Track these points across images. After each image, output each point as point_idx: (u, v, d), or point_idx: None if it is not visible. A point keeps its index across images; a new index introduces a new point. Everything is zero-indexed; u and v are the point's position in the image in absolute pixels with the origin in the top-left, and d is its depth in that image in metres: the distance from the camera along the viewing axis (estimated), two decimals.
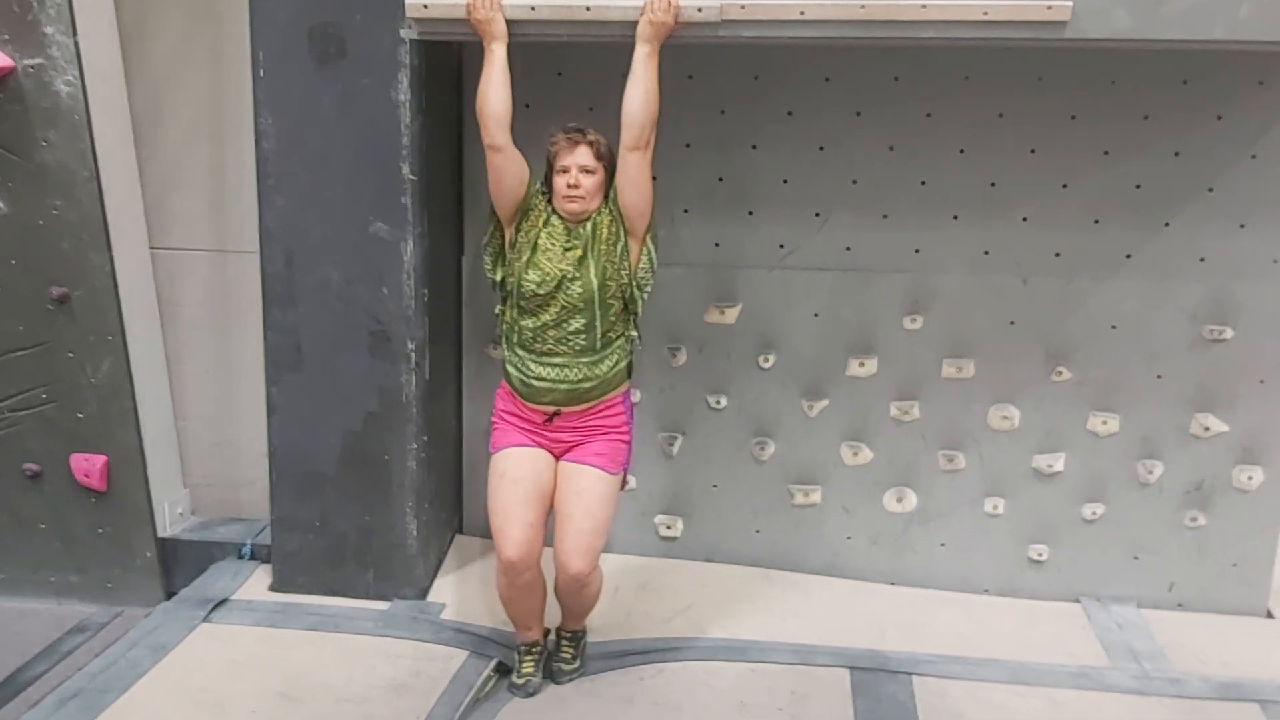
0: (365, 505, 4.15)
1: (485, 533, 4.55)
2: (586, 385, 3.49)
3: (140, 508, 4.35)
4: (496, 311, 3.60)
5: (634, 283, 3.50)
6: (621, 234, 3.46)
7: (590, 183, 3.44)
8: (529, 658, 3.75)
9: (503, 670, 3.83)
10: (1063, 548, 4.30)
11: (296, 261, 3.93)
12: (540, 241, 3.45)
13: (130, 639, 3.89)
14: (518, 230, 3.50)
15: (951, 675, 3.77)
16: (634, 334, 3.59)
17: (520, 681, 3.72)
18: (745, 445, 4.37)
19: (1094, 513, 4.24)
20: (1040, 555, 4.29)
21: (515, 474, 3.57)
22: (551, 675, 3.78)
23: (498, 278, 3.57)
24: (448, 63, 4.07)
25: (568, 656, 3.80)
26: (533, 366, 3.48)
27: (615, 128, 3.44)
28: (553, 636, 3.86)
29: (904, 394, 4.24)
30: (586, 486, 3.55)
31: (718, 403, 4.33)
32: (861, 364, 4.21)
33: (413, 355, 3.98)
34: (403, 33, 3.66)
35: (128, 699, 3.51)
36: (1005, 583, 4.36)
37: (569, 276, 3.40)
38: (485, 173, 3.47)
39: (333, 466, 4.11)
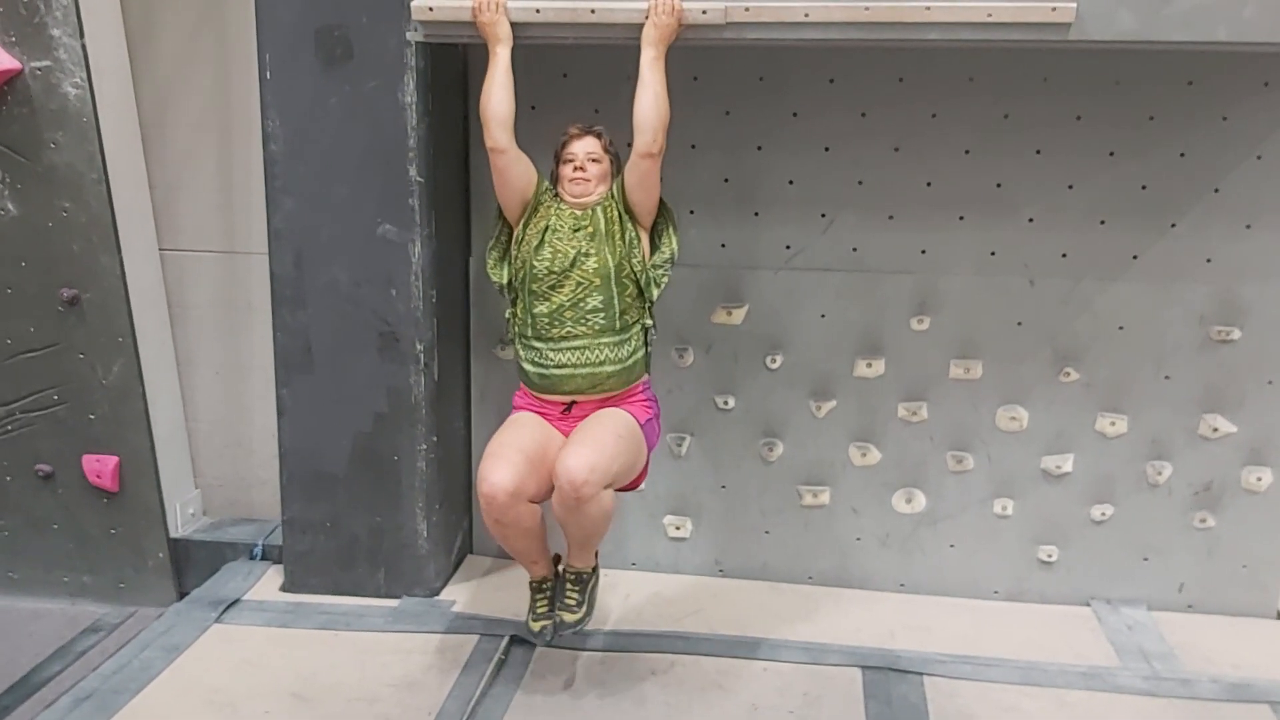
0: (376, 506, 4.17)
1: (496, 552, 4.60)
2: (608, 370, 3.48)
3: (152, 508, 4.39)
4: (507, 315, 3.62)
5: (648, 271, 3.52)
6: (630, 225, 3.49)
7: (595, 169, 3.50)
8: (540, 596, 3.66)
9: (517, 641, 3.87)
10: (1072, 548, 4.29)
11: (305, 263, 3.96)
12: (550, 224, 3.48)
13: (143, 640, 3.93)
14: (525, 226, 3.52)
15: (962, 676, 3.77)
16: (649, 322, 3.61)
17: (535, 627, 3.59)
18: (753, 446, 4.37)
19: (1103, 514, 4.23)
20: (1050, 556, 4.29)
21: (524, 421, 3.55)
22: (554, 627, 3.60)
23: (504, 280, 3.58)
24: (453, 65, 4.08)
25: (572, 602, 3.61)
26: (551, 355, 3.47)
27: (621, 129, 3.46)
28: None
29: (912, 395, 4.24)
30: (603, 414, 3.50)
31: (725, 403, 4.33)
32: (869, 365, 4.21)
33: (421, 356, 4.00)
34: (408, 35, 3.68)
35: (141, 700, 3.55)
36: (1015, 583, 4.35)
37: (583, 252, 3.42)
38: (492, 175, 3.49)
39: (343, 467, 4.14)
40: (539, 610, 3.64)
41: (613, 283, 3.44)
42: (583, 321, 3.44)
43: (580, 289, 3.43)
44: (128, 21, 4.19)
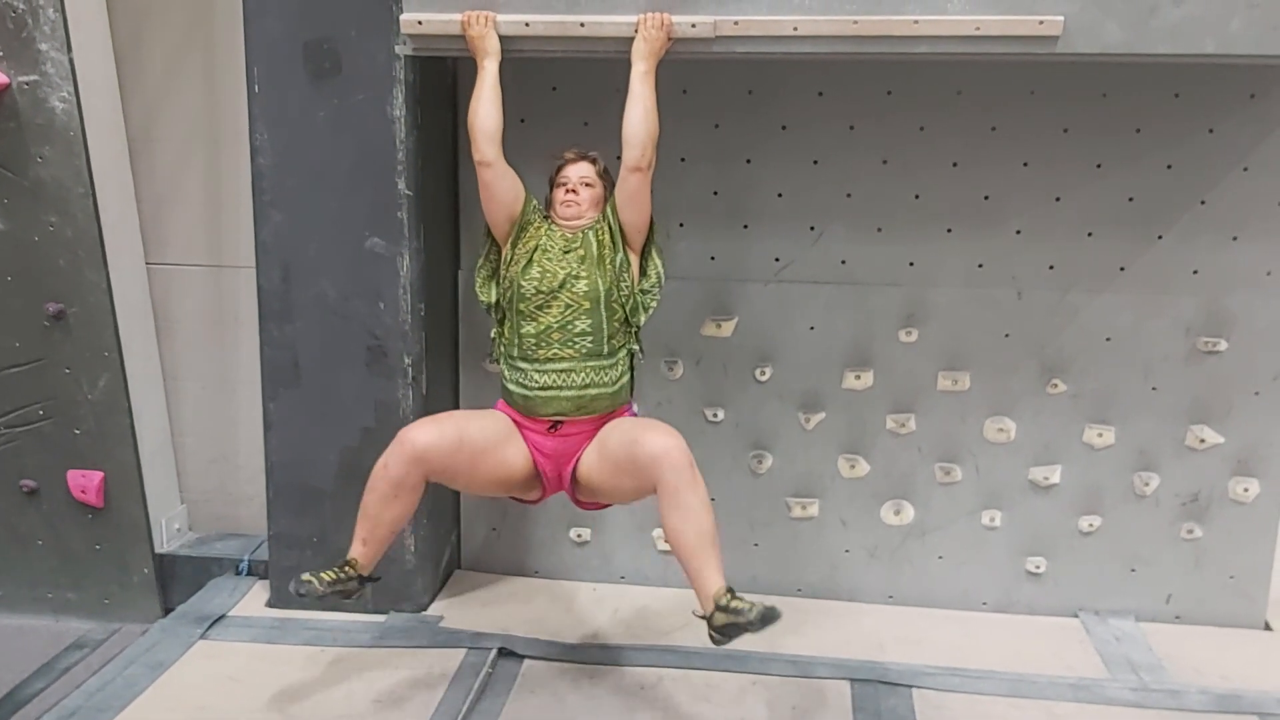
0: None
1: (486, 566, 4.59)
2: (593, 393, 3.47)
3: (137, 524, 4.36)
4: (492, 335, 3.62)
5: (635, 295, 3.52)
6: (621, 247, 3.49)
7: (587, 194, 3.51)
8: (338, 570, 3.42)
9: (504, 656, 3.85)
10: (1060, 560, 4.29)
11: (293, 277, 3.94)
12: (540, 244, 3.48)
13: (127, 656, 3.89)
14: (514, 245, 3.52)
15: (951, 688, 3.76)
16: (635, 347, 3.60)
17: (306, 577, 3.35)
18: (743, 458, 4.37)
19: (1091, 525, 4.24)
20: (1038, 568, 4.29)
21: (495, 417, 3.54)
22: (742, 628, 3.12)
23: (491, 299, 3.58)
24: (442, 78, 4.07)
25: (742, 607, 3.10)
26: (536, 376, 3.46)
27: (610, 142, 3.46)
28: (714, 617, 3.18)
29: (900, 407, 4.24)
30: (614, 425, 3.49)
31: (715, 416, 4.33)
32: (858, 377, 4.22)
33: (410, 370, 3.98)
34: (397, 48, 3.68)
35: (125, 717, 3.51)
36: (1003, 595, 4.35)
37: (573, 274, 3.42)
38: (479, 190, 3.49)
39: (330, 482, 4.12)
40: (324, 576, 3.38)
41: (602, 307, 3.44)
42: (570, 344, 3.44)
43: (569, 311, 3.42)
44: (115, 35, 4.18)
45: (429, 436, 3.35)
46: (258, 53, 3.78)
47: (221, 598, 4.31)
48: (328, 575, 3.39)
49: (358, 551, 3.48)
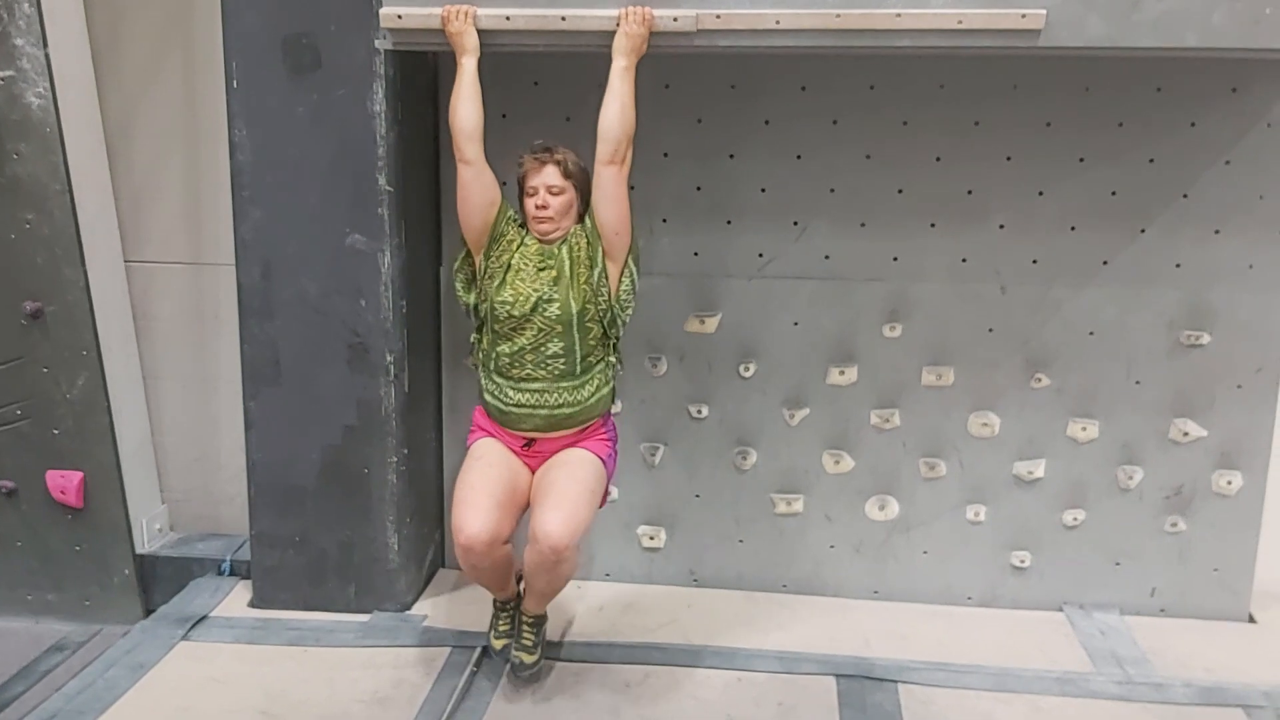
0: (345, 519, 4.12)
1: None
2: (565, 411, 3.48)
3: (118, 524, 4.32)
4: (473, 339, 3.61)
5: (614, 307, 3.49)
6: (599, 258, 3.44)
7: (558, 202, 3.44)
8: (504, 614, 3.77)
9: (489, 655, 3.84)
10: (1044, 554, 4.30)
11: (273, 274, 3.92)
12: (513, 263, 3.45)
13: (108, 658, 3.87)
14: (488, 257, 3.49)
15: (937, 683, 3.77)
16: (613, 359, 3.59)
17: (499, 645, 3.72)
18: (727, 455, 4.36)
19: (1075, 519, 4.24)
20: (1022, 562, 4.29)
21: (490, 458, 3.54)
22: (511, 667, 3.69)
23: (471, 301, 3.56)
24: (423, 73, 4.05)
25: (529, 644, 3.66)
26: (510, 393, 3.47)
27: (592, 139, 3.43)
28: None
29: (884, 402, 4.24)
30: (570, 460, 3.52)
31: (699, 412, 4.32)
32: (842, 372, 4.21)
33: (391, 368, 3.96)
34: (377, 43, 3.65)
35: (106, 719, 3.49)
36: (988, 589, 4.36)
37: (545, 298, 3.39)
38: (456, 188, 3.47)
39: (312, 481, 4.09)
40: (501, 628, 3.74)
41: (575, 329, 3.42)
42: (543, 365, 3.44)
43: (542, 334, 3.42)
44: (92, 30, 4.14)
45: (479, 526, 3.37)
46: (236, 47, 3.75)
47: (203, 598, 4.29)
48: (504, 625, 3.76)
49: (505, 595, 3.73)
